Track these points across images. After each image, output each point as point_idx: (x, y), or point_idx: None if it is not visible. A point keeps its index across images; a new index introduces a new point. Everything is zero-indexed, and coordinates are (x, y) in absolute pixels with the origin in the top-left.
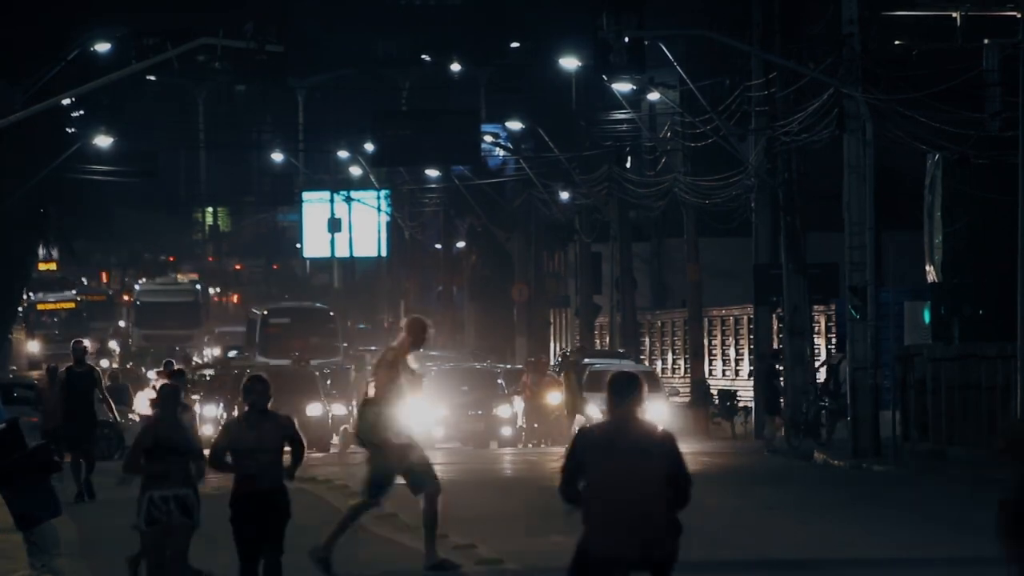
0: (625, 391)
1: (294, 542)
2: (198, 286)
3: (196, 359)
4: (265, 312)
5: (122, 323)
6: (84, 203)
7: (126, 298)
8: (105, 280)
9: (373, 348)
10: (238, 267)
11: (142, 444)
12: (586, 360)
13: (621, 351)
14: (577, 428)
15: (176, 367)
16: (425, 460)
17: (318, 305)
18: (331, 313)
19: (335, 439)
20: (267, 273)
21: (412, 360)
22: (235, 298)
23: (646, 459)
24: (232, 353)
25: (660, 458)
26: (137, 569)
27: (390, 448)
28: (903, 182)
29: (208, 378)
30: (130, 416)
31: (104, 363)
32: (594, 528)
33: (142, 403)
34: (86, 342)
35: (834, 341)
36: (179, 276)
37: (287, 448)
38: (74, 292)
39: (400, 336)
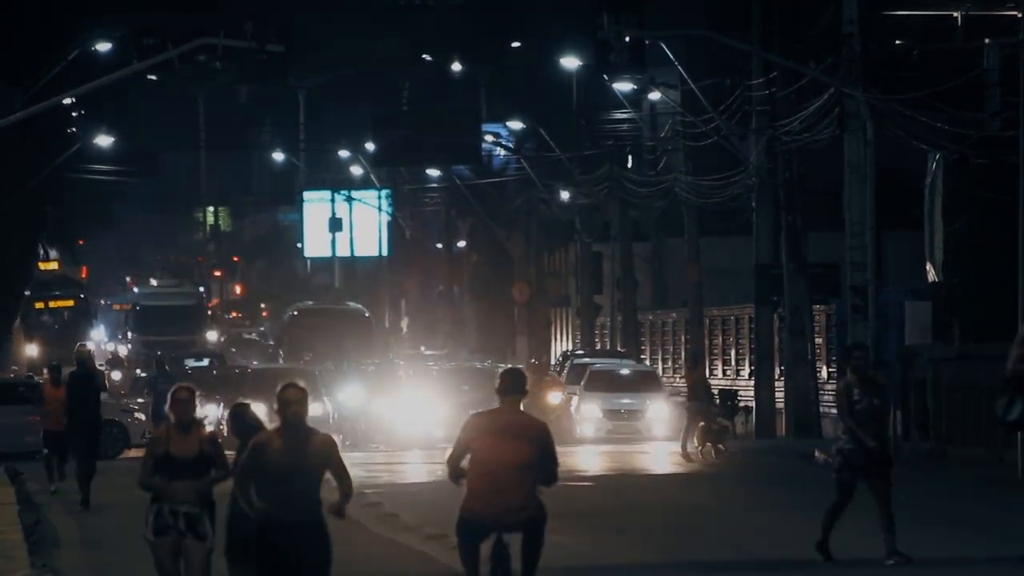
0: (514, 385)
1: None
2: (201, 288)
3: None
4: (295, 313)
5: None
6: (84, 203)
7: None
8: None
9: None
10: (200, 259)
11: (151, 457)
12: (587, 360)
13: (621, 351)
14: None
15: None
16: None
17: (353, 305)
18: (366, 314)
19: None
20: (229, 266)
21: None
22: None
23: (522, 442)
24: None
25: (535, 443)
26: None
27: None
28: (903, 182)
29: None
30: (137, 415)
31: (116, 375)
32: (474, 495)
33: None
34: (89, 346)
35: (834, 341)
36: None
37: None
38: (78, 291)
39: None
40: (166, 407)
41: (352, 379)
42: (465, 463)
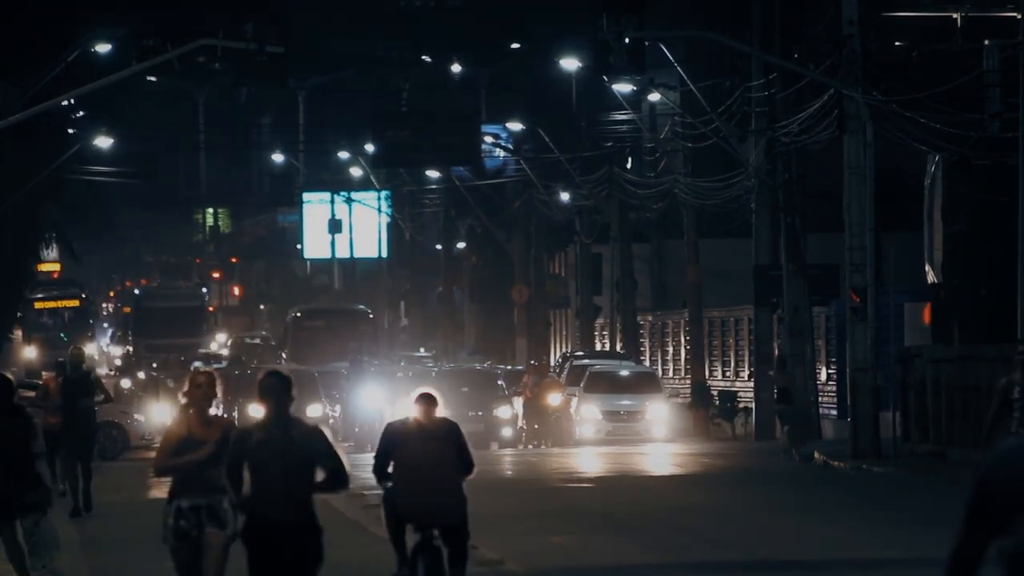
0: (428, 398)
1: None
2: (204, 289)
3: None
4: (298, 314)
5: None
6: (84, 203)
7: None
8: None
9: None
10: (197, 260)
11: (171, 443)
12: (586, 361)
13: (621, 352)
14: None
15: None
16: None
17: (357, 306)
18: (370, 315)
19: None
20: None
21: None
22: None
23: (437, 443)
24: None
25: (449, 443)
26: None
27: None
28: (903, 183)
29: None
30: (137, 416)
31: (126, 383)
32: (400, 495)
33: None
34: (90, 349)
35: (834, 342)
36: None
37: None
38: (78, 290)
39: None
40: (181, 394)
41: (366, 380)
42: (390, 469)
